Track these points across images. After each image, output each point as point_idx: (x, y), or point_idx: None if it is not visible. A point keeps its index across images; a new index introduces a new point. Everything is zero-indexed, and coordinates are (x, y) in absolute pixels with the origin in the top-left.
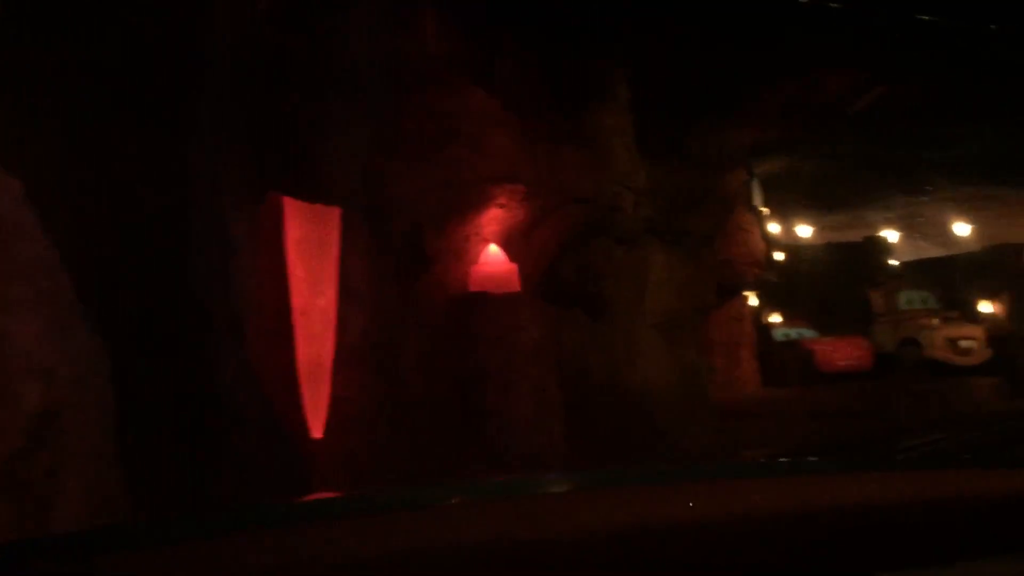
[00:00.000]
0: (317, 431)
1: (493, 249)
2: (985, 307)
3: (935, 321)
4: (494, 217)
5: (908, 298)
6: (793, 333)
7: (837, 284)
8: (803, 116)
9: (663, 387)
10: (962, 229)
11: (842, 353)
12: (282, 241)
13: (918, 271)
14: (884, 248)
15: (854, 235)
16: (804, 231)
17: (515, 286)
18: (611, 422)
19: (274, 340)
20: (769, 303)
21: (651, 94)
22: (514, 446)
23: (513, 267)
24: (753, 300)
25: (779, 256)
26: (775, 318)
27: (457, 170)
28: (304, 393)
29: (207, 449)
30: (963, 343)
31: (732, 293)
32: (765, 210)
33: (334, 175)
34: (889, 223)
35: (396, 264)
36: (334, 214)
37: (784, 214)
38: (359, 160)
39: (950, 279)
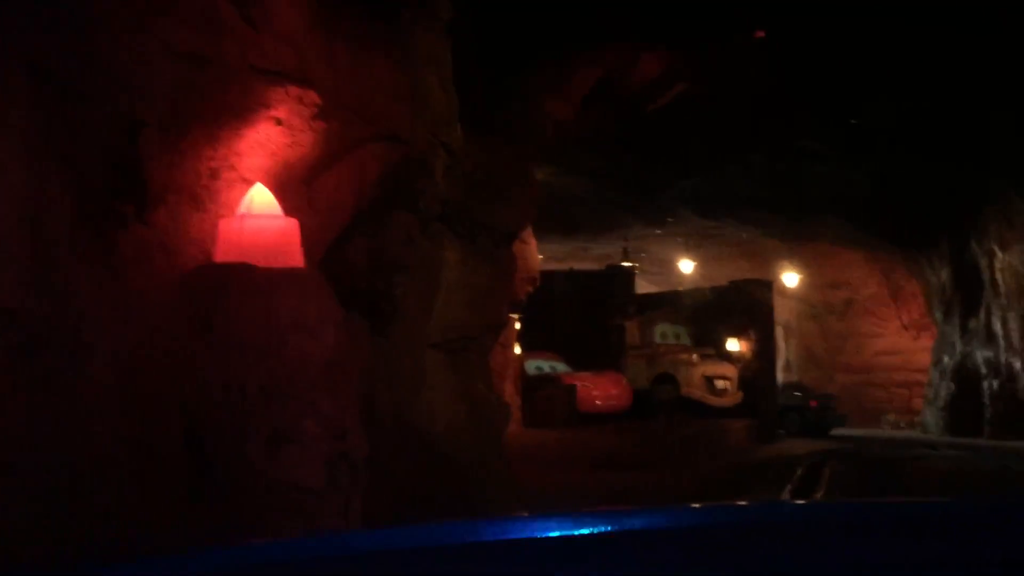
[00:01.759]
0: None
1: (260, 193)
2: (732, 345)
3: (694, 357)
4: (263, 140)
5: (663, 331)
6: (546, 366)
7: (585, 314)
8: (606, 106)
9: (453, 427)
10: (686, 266)
11: (602, 391)
12: None
13: (664, 304)
14: (630, 279)
15: (586, 264)
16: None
17: (295, 258)
18: (405, 473)
19: None
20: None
21: (465, 30)
22: (287, 526)
23: (292, 225)
24: (516, 325)
25: None
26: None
27: (213, 41)
28: None
29: None
30: (719, 383)
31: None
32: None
33: None
34: (620, 254)
35: (87, 195)
36: None
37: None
38: None
39: (695, 314)
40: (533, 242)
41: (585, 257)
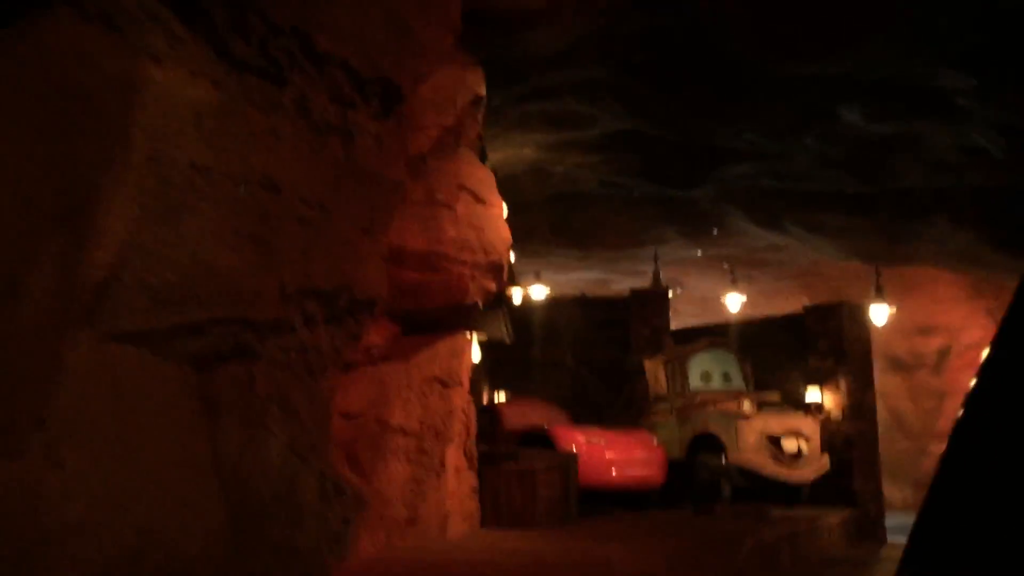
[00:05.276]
0: None
1: None
2: (813, 395)
3: (746, 406)
4: None
5: (703, 371)
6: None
7: (600, 354)
8: None
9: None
10: (734, 303)
11: (622, 454)
12: None
13: (705, 336)
14: (663, 305)
15: (602, 288)
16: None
17: None
18: None
19: None
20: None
21: None
22: None
23: None
24: (476, 353)
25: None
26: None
27: None
28: None
29: None
30: (789, 444)
31: (439, 326)
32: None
33: None
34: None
35: None
36: None
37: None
38: None
39: (752, 352)
40: (500, 204)
41: (604, 278)
